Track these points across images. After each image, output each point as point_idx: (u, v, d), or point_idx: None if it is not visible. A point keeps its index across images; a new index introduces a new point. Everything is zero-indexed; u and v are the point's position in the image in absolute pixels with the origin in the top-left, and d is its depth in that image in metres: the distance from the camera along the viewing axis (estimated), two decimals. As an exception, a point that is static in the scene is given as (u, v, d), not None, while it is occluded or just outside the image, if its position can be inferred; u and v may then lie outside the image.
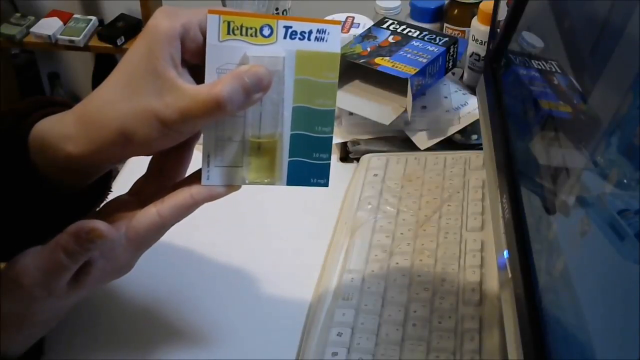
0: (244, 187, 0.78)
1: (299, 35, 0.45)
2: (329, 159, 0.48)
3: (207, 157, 0.46)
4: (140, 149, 0.45)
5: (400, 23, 0.86)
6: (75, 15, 1.98)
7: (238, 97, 0.43)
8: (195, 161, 0.49)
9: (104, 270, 0.47)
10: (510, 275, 0.49)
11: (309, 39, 0.45)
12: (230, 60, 0.45)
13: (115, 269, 0.48)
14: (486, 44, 0.80)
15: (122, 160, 0.48)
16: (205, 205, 0.77)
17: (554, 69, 0.56)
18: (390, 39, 0.82)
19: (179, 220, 0.48)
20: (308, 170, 0.48)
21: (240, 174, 0.47)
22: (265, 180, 0.48)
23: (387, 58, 0.79)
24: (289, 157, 0.47)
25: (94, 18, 1.96)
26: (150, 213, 0.46)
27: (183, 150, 0.49)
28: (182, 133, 0.45)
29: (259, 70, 0.44)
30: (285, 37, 0.45)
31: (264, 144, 0.47)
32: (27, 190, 0.47)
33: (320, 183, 0.49)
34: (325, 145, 0.48)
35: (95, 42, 1.95)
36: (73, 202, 0.50)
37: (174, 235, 0.70)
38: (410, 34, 0.83)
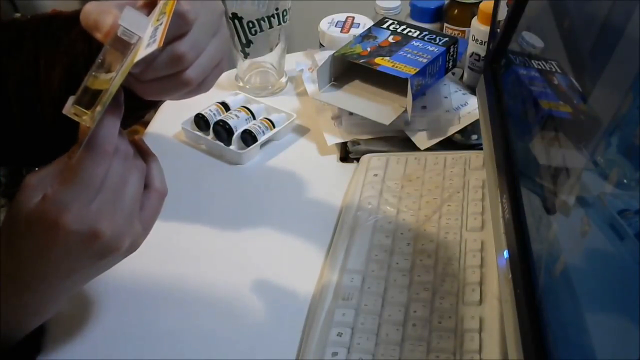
0: (242, 187, 0.79)
1: None
2: None
3: None
4: None
5: (400, 23, 0.86)
6: (75, 15, 1.98)
7: None
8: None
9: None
10: (510, 275, 0.49)
11: None
12: None
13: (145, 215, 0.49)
14: (486, 44, 0.80)
15: None
16: (205, 206, 0.77)
17: (554, 69, 0.56)
18: (390, 39, 0.82)
19: None
20: None
21: None
22: None
23: (387, 58, 0.79)
24: None
25: (94, 18, 1.96)
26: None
27: None
28: None
29: None
30: None
31: None
32: None
33: None
34: None
35: (95, 42, 1.95)
36: None
37: (174, 236, 0.70)
38: (410, 34, 0.83)
